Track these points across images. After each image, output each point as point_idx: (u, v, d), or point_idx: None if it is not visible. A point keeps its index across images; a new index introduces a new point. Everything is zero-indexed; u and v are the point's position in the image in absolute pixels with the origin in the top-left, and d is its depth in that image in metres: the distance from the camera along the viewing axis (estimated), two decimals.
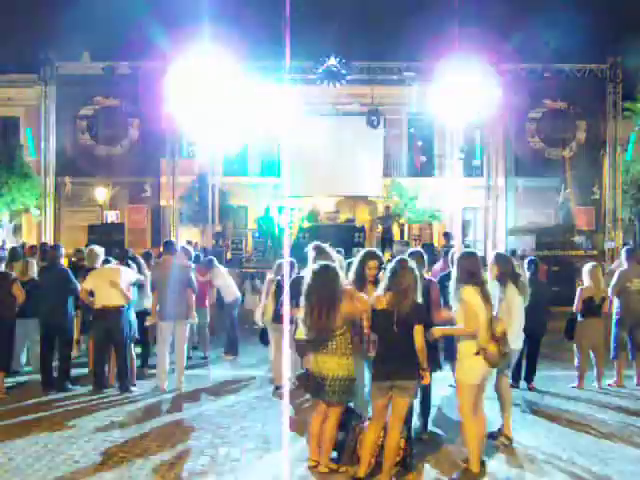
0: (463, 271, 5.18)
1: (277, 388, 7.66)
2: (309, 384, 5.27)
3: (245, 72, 17.46)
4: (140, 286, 8.40)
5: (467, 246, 17.20)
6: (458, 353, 5.17)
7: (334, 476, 5.16)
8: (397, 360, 4.90)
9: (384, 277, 5.20)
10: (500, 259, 6.01)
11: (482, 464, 5.17)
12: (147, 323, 8.20)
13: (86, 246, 12.90)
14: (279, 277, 7.76)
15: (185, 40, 18.16)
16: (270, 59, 17.36)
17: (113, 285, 7.74)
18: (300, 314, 5.24)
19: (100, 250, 8.53)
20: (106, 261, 8.27)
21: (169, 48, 17.42)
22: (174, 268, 8.10)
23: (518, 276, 6.02)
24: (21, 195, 20.73)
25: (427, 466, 5.40)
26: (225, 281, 10.26)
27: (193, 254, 9.89)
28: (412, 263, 5.17)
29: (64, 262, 8.78)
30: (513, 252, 13.16)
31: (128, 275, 7.98)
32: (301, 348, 5.88)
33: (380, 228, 21.16)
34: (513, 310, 5.85)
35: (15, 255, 10.02)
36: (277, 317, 7.40)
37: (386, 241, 18.82)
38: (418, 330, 4.91)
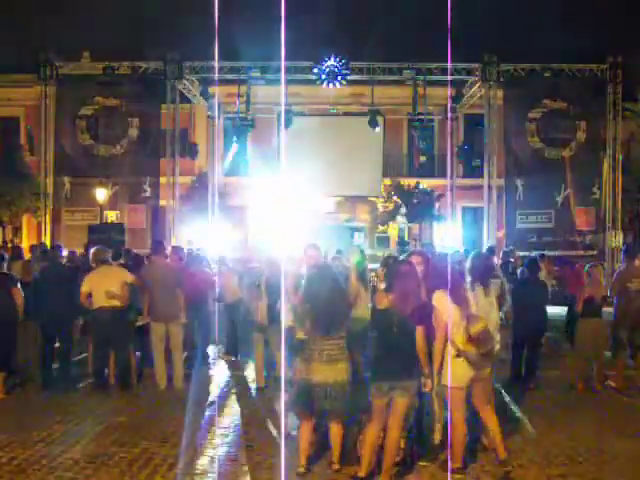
0: (435, 275, 5.19)
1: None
2: (306, 397, 5.11)
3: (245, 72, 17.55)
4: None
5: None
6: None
7: (334, 476, 5.17)
8: (397, 361, 4.88)
9: (385, 276, 5.22)
10: (473, 259, 5.66)
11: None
12: (139, 323, 8.19)
13: (86, 247, 12.95)
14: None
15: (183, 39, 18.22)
16: (270, 59, 17.36)
17: (110, 286, 7.75)
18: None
19: (106, 252, 8.50)
20: (103, 261, 8.26)
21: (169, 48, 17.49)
22: (164, 268, 8.11)
23: (486, 277, 5.62)
24: (21, 195, 20.77)
25: (427, 466, 5.40)
26: (228, 281, 10.24)
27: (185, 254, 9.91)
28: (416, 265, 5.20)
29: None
30: (511, 252, 13.14)
31: (125, 275, 7.99)
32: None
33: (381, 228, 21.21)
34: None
35: (15, 255, 10.03)
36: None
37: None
38: (419, 332, 4.88)
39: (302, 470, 5.16)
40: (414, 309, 4.90)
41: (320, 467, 5.36)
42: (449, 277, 5.08)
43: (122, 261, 9.24)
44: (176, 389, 7.90)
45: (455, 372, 5.00)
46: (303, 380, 5.11)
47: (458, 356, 4.97)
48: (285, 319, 6.07)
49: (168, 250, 9.81)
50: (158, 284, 7.91)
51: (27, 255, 13.60)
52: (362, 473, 5.00)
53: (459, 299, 5.04)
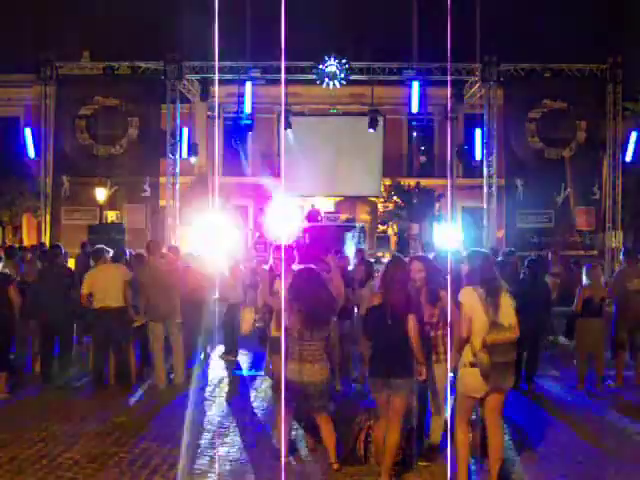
0: (468, 272, 4.98)
1: None
2: (291, 396, 5.19)
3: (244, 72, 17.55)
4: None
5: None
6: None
7: (333, 475, 5.17)
8: (392, 357, 4.88)
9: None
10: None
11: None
12: (136, 324, 8.19)
13: (83, 246, 12.95)
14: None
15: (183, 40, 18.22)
16: (269, 59, 17.36)
17: (111, 285, 7.75)
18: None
19: (106, 251, 8.50)
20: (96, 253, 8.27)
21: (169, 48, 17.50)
22: (160, 268, 8.12)
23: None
24: (21, 195, 20.77)
25: (427, 466, 5.39)
26: (234, 281, 10.25)
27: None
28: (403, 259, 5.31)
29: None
30: (512, 253, 13.12)
31: (125, 274, 7.99)
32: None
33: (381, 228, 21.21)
34: None
35: (8, 254, 10.00)
36: None
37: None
38: (411, 319, 4.87)
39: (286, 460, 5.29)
40: (404, 301, 4.93)
41: (320, 467, 5.36)
42: (485, 278, 4.85)
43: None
44: (177, 388, 7.90)
45: (470, 382, 4.76)
46: (292, 380, 5.14)
47: (473, 365, 4.72)
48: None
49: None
50: (154, 284, 7.91)
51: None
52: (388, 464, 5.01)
53: (491, 303, 4.76)
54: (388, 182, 23.53)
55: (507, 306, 4.81)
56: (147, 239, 17.34)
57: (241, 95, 18.07)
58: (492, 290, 4.79)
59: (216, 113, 21.05)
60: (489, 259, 5.07)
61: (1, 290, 7.51)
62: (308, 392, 5.13)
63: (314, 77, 17.21)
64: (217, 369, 9.31)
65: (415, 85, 17.80)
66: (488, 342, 4.66)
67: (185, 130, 19.34)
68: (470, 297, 4.79)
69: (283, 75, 17.63)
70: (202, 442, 5.99)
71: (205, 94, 19.14)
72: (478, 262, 4.96)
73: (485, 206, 18.03)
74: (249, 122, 18.80)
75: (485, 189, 18.01)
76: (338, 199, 23.88)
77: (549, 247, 15.61)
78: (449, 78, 17.94)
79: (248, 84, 17.49)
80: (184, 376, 8.13)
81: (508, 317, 4.78)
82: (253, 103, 17.88)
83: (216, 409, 7.16)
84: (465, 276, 5.00)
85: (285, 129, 19.71)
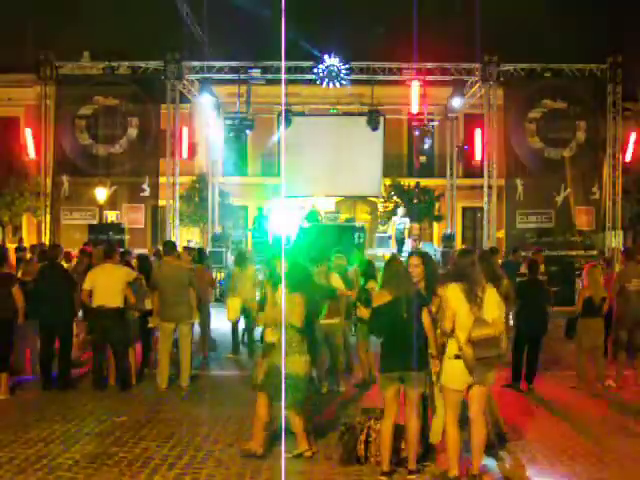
0: (454, 269, 5.18)
1: None
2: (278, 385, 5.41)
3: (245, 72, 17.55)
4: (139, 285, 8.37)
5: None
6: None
7: (334, 475, 5.16)
8: (406, 351, 4.93)
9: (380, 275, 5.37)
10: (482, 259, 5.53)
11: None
12: (150, 325, 8.19)
13: (85, 245, 12.94)
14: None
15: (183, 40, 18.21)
16: (270, 59, 17.36)
17: (112, 284, 7.74)
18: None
19: (110, 250, 8.49)
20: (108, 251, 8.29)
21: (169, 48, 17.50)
22: (176, 269, 8.11)
23: (495, 277, 5.75)
24: (20, 195, 20.77)
25: (427, 465, 5.39)
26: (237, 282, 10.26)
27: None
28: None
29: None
30: (515, 250, 13.11)
31: (127, 274, 7.99)
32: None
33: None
34: None
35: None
36: None
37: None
38: (425, 312, 4.98)
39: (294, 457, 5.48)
40: (417, 294, 5.09)
41: (320, 467, 5.36)
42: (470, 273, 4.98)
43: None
44: (177, 388, 7.91)
45: (453, 374, 4.88)
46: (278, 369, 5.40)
47: (457, 357, 4.83)
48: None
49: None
50: (170, 284, 7.90)
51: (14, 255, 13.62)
52: (386, 468, 5.04)
53: (473, 298, 4.88)
54: (388, 182, 23.52)
55: (491, 302, 4.91)
56: (146, 239, 17.40)
57: (241, 95, 18.07)
58: (476, 286, 4.90)
59: (216, 113, 21.06)
60: (473, 256, 5.17)
61: (5, 290, 7.50)
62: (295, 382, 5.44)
63: (314, 77, 17.20)
64: (217, 368, 9.31)
65: (415, 85, 17.77)
66: (473, 338, 4.75)
67: (185, 130, 19.32)
68: (455, 293, 4.89)
69: (283, 75, 17.63)
70: (202, 442, 5.98)
71: (205, 94, 19.13)
72: (462, 259, 5.11)
73: (485, 206, 18.02)
74: (249, 122, 18.78)
75: (485, 189, 18.00)
76: (338, 199, 23.87)
77: (549, 247, 15.66)
78: (449, 78, 17.92)
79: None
80: (190, 376, 8.12)
81: (491, 313, 4.88)
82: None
83: (216, 409, 7.15)
84: (450, 273, 5.19)
85: (285, 129, 19.70)
